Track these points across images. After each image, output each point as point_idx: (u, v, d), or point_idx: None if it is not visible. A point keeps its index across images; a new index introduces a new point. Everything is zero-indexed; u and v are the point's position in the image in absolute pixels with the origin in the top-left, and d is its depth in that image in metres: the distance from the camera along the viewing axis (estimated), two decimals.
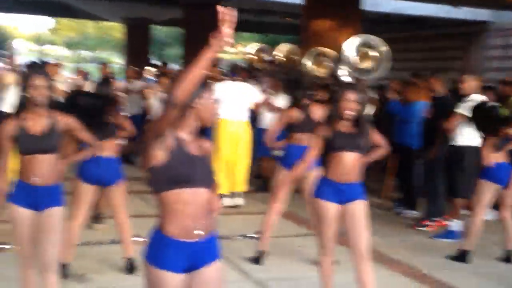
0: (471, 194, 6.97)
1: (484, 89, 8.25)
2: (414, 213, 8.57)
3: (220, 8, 2.69)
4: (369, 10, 16.68)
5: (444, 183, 7.76)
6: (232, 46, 2.73)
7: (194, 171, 3.00)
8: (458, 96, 7.44)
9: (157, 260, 3.03)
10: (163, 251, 3.03)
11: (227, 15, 2.69)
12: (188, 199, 2.99)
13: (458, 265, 6.45)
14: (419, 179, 8.56)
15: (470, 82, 7.36)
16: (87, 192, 5.68)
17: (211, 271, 3.10)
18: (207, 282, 3.09)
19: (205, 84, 3.09)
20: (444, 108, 7.56)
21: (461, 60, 21.83)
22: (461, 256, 6.49)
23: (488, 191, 6.40)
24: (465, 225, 7.04)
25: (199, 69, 2.74)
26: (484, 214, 6.58)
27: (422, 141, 8.21)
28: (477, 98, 7.19)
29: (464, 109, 7.11)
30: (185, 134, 3.04)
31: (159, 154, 2.95)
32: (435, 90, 8.00)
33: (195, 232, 3.02)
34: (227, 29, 2.68)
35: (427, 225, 7.82)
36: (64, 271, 5.39)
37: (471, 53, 22.51)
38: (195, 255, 3.06)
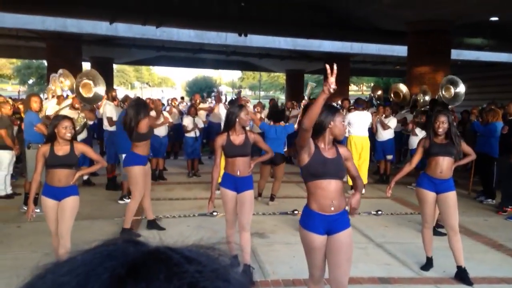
0: None
1: None
2: (492, 201, 7.88)
3: (327, 66, 2.75)
4: (455, 58, 15.76)
5: None
6: (335, 90, 2.71)
7: (327, 168, 3.02)
8: None
9: (307, 226, 3.09)
10: (310, 220, 3.08)
11: (332, 70, 2.76)
12: (324, 187, 3.02)
13: None
14: (496, 177, 7.90)
15: None
16: None
17: (343, 235, 3.09)
18: (341, 242, 3.08)
19: (337, 111, 3.14)
20: None
21: None
22: None
23: None
24: None
25: (318, 105, 2.81)
26: None
27: (499, 150, 7.58)
28: None
29: None
30: (322, 144, 3.09)
31: (305, 158, 3.03)
32: (510, 113, 7.43)
33: (331, 208, 3.05)
34: (332, 79, 2.74)
35: (506, 210, 7.16)
36: None
37: None
38: (331, 224, 3.06)
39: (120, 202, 7.25)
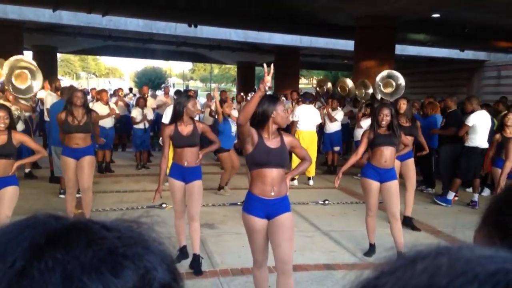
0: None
1: (482, 106, 7.98)
2: (432, 190, 8.25)
3: (264, 66, 2.93)
4: (399, 54, 16.33)
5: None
6: (270, 89, 2.87)
7: (270, 158, 3.12)
8: (463, 112, 7.27)
9: (248, 209, 3.21)
10: (252, 204, 3.19)
11: (268, 70, 2.89)
12: (266, 174, 3.13)
13: (467, 225, 6.14)
14: (435, 167, 8.29)
15: (473, 102, 7.14)
16: None
17: (283, 217, 3.20)
18: (281, 222, 3.19)
19: (277, 101, 3.23)
20: (455, 120, 7.41)
21: (465, 87, 21.18)
22: None
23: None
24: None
25: (254, 102, 2.93)
26: None
27: (437, 141, 8.00)
28: (481, 113, 7.06)
29: (469, 121, 6.98)
30: (266, 134, 3.17)
31: (249, 148, 3.13)
32: (448, 107, 7.81)
33: (271, 193, 3.15)
34: (268, 78, 2.88)
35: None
36: None
37: (473, 82, 21.77)
38: (271, 207, 3.18)
39: (61, 196, 7.04)
